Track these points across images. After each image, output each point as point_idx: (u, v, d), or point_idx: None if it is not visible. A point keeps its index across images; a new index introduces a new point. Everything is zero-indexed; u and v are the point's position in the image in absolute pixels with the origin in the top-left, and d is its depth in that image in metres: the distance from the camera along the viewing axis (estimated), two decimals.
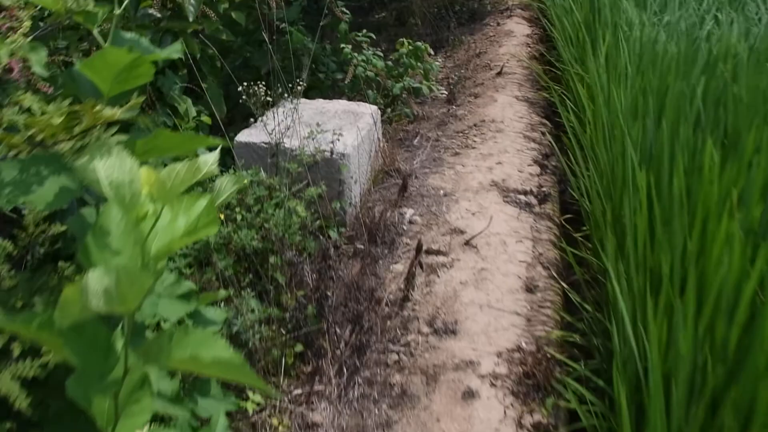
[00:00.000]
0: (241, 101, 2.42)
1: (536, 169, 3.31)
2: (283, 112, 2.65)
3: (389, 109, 3.78)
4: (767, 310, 1.42)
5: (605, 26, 3.63)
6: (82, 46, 2.04)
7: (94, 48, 2.17)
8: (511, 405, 1.89)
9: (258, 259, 2.22)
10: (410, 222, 2.81)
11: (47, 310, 0.86)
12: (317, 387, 2.07)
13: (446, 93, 4.28)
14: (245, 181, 2.24)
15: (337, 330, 2.22)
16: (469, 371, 2.00)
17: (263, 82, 2.46)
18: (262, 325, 1.99)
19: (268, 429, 1.90)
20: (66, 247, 1.56)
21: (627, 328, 1.66)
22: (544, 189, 3.11)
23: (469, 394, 1.91)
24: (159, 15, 2.49)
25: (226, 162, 2.90)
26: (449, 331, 2.17)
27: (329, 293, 2.18)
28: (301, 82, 2.68)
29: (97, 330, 0.89)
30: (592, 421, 1.76)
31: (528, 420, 1.85)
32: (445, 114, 4.02)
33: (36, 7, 1.36)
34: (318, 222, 2.57)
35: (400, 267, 2.54)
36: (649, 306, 1.61)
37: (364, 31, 3.77)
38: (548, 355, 2.04)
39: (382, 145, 3.18)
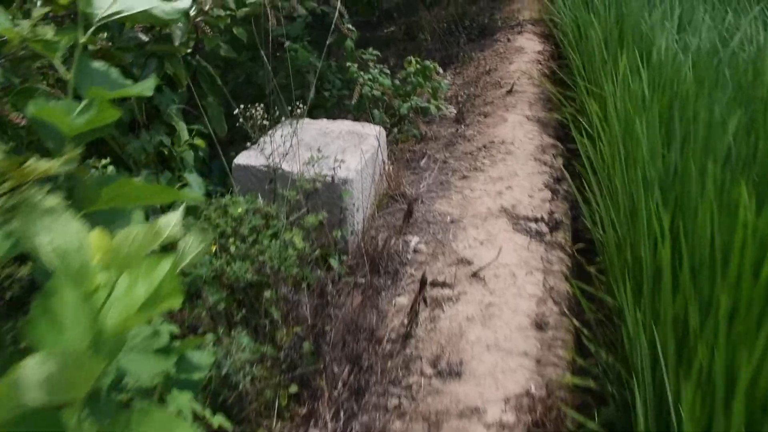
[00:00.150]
0: (237, 124, 2.30)
1: (547, 195, 3.18)
2: (281, 135, 2.53)
3: (396, 129, 3.66)
4: None
5: (625, 44, 3.49)
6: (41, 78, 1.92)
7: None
8: None
9: (252, 292, 2.10)
10: (415, 251, 2.68)
11: None
12: (312, 431, 1.94)
13: (455, 112, 4.16)
14: (239, 210, 2.12)
15: (335, 369, 2.09)
16: (475, 419, 1.87)
17: (262, 104, 2.34)
18: (255, 365, 1.86)
19: None
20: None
21: (649, 388, 1.52)
22: (555, 216, 2.97)
23: None
24: (145, 38, 2.36)
25: (227, 183, 2.78)
26: (454, 372, 2.04)
27: (327, 329, 2.05)
28: (300, 105, 2.57)
29: (43, 415, 0.77)
30: None
31: None
32: (454, 134, 3.90)
33: None
34: (318, 252, 2.45)
35: (404, 300, 2.42)
36: (672, 358, 1.48)
37: (371, 49, 3.66)
38: (559, 402, 1.91)
39: (387, 167, 3.06)
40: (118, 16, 0.93)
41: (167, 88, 2.99)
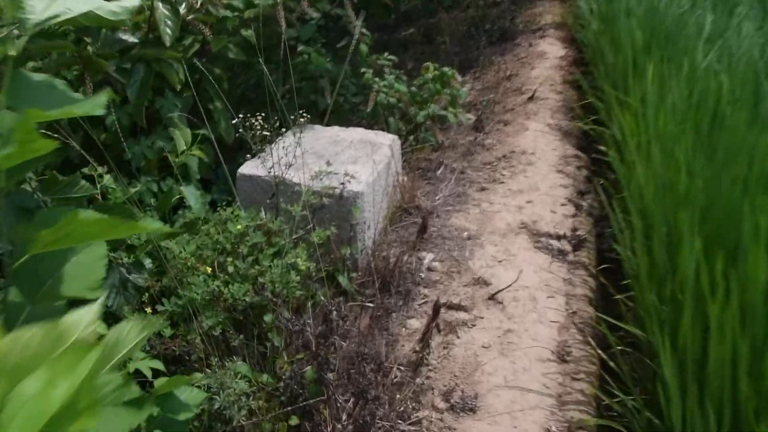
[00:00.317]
0: (237, 134, 2.14)
1: (570, 209, 3.01)
2: (286, 145, 2.38)
3: (411, 137, 3.50)
4: None
5: (656, 51, 3.29)
6: None
7: None
8: None
9: (253, 314, 1.95)
10: (429, 269, 2.52)
11: None
12: None
13: (473, 119, 3.99)
14: (239, 227, 1.97)
15: (339, 398, 1.93)
16: None
17: (262, 113, 2.19)
18: (251, 397, 1.71)
19: None
20: None
21: None
22: (579, 233, 2.80)
23: None
24: (135, 39, 2.17)
25: (233, 191, 2.64)
26: (468, 408, 1.88)
27: (332, 357, 1.89)
28: (304, 114, 2.41)
29: None
30: None
31: None
32: (472, 142, 3.73)
33: None
34: (325, 270, 2.29)
35: (416, 323, 2.26)
36: None
37: (386, 54, 3.50)
38: None
39: (401, 178, 2.90)
40: (56, 20, 0.78)
41: (170, 92, 2.85)
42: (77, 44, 2.27)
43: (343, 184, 2.27)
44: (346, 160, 2.63)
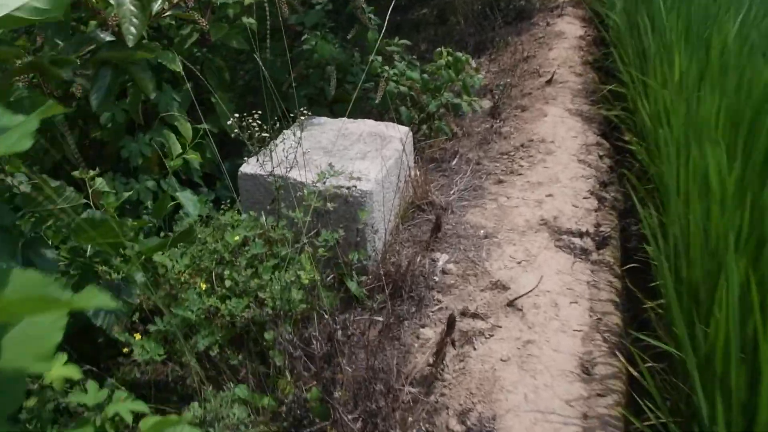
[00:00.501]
0: (233, 135, 2.00)
1: (593, 203, 2.84)
2: (287, 145, 2.23)
3: (424, 126, 3.34)
4: None
5: (689, 33, 3.07)
6: None
7: None
8: None
9: (254, 330, 1.82)
10: (443, 272, 2.37)
11: None
12: None
13: (489, 104, 3.81)
14: (236, 238, 1.83)
15: (346, 418, 1.80)
16: None
17: (259, 112, 2.03)
18: (249, 426, 1.58)
19: None
20: None
21: None
22: (602, 229, 2.64)
23: None
24: (111, 37, 1.90)
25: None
26: (485, 431, 1.74)
27: (338, 377, 1.76)
28: (306, 112, 2.26)
29: None
30: None
31: None
32: (488, 130, 3.56)
33: None
34: (332, 275, 2.16)
35: (429, 332, 2.12)
36: None
37: (397, 39, 3.32)
38: None
39: (413, 173, 2.74)
40: None
41: (168, 85, 2.71)
42: (40, 48, 2.09)
43: (349, 188, 2.11)
44: (354, 155, 2.48)
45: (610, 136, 3.63)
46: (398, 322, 2.17)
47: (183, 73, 2.54)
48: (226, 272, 1.78)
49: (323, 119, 2.80)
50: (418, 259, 2.37)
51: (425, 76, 3.22)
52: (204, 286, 1.72)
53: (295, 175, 2.27)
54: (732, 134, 2.07)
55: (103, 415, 1.29)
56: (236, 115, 1.92)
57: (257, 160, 2.19)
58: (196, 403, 1.52)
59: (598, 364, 1.96)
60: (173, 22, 2.66)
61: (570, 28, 5.28)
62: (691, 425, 1.61)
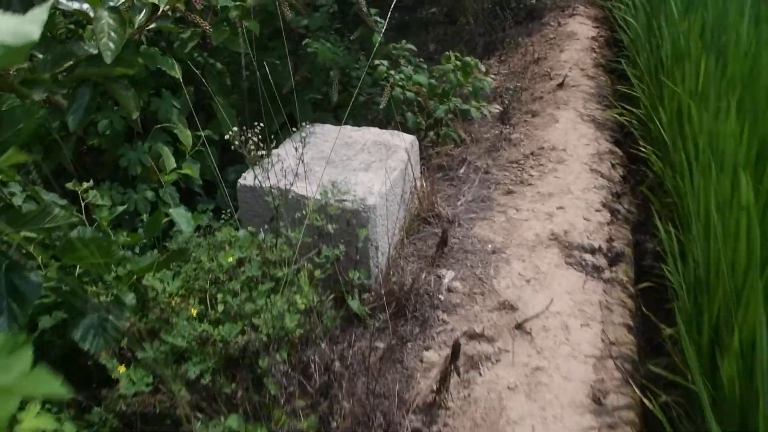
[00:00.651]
0: (232, 147, 1.90)
1: (605, 216, 2.74)
2: (288, 156, 2.14)
3: (431, 132, 3.24)
4: None
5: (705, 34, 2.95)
6: None
7: None
8: None
9: (248, 355, 1.73)
10: (449, 290, 2.28)
11: None
12: None
13: (499, 108, 3.70)
14: (230, 260, 1.74)
15: None
16: None
17: (260, 124, 1.94)
18: None
19: None
20: None
21: None
22: (615, 245, 2.54)
23: None
24: (88, 50, 1.74)
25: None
26: None
27: (335, 408, 1.68)
28: (307, 126, 2.16)
29: None
30: None
31: None
32: (497, 136, 3.46)
33: None
34: (333, 293, 2.07)
35: (434, 355, 2.02)
36: None
37: (404, 42, 3.22)
38: None
39: (419, 183, 2.64)
40: None
41: (167, 91, 2.62)
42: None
43: (352, 211, 2.02)
44: (357, 166, 2.38)
45: (623, 143, 3.52)
46: (401, 344, 2.08)
47: (182, 79, 2.46)
48: (219, 296, 1.69)
49: (326, 126, 2.70)
50: (422, 276, 2.28)
51: (432, 81, 3.12)
52: (194, 312, 1.63)
53: (296, 188, 2.18)
54: (757, 154, 1.97)
55: None
56: (234, 128, 1.83)
57: (257, 172, 2.10)
58: None
59: (610, 394, 1.86)
60: (172, 26, 2.57)
61: (582, 28, 5.16)
62: None
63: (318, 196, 2.11)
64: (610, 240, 2.57)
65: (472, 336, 2.07)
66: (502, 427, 1.75)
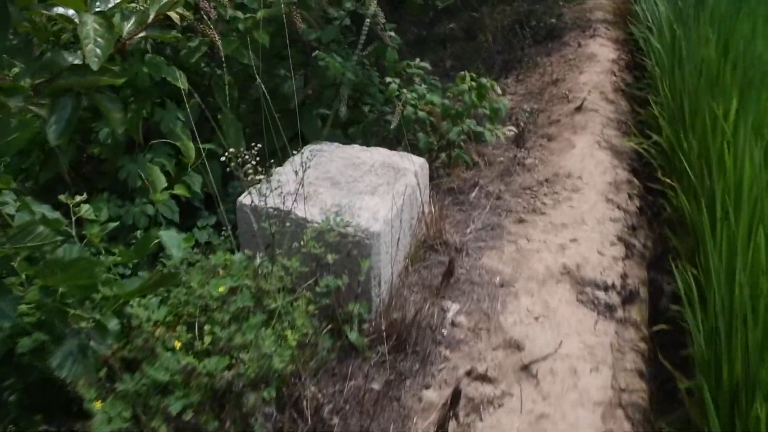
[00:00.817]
0: (228, 169, 1.81)
1: (620, 250, 2.62)
2: (288, 179, 2.04)
3: (443, 154, 3.14)
4: None
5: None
6: None
7: None
8: None
9: (237, 390, 1.63)
10: (453, 324, 2.17)
11: None
12: None
13: (514, 131, 3.59)
14: (221, 289, 1.64)
15: None
16: None
17: (258, 145, 1.85)
18: None
19: None
20: None
21: None
22: (629, 282, 2.42)
23: None
24: (70, 60, 1.59)
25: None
26: None
27: None
28: (314, 146, 2.07)
29: None
30: None
31: None
32: (511, 160, 3.35)
33: None
34: (331, 324, 1.97)
35: (433, 395, 1.91)
36: None
37: (418, 60, 3.12)
38: None
39: (426, 209, 2.54)
40: None
41: (171, 102, 2.54)
42: None
43: (354, 240, 1.92)
44: (363, 189, 2.29)
45: (640, 172, 3.41)
46: (399, 380, 1.97)
47: (186, 90, 2.38)
48: (207, 326, 1.59)
49: (334, 145, 2.61)
50: (426, 308, 2.18)
51: (446, 102, 3.02)
52: (178, 345, 1.53)
53: (298, 211, 2.08)
54: None
55: None
56: (231, 150, 1.73)
57: (255, 195, 2.00)
58: None
59: None
60: (180, 34, 2.49)
61: (602, 50, 5.05)
62: None
63: (319, 221, 2.01)
64: (624, 276, 2.46)
65: (475, 376, 1.96)
66: None
